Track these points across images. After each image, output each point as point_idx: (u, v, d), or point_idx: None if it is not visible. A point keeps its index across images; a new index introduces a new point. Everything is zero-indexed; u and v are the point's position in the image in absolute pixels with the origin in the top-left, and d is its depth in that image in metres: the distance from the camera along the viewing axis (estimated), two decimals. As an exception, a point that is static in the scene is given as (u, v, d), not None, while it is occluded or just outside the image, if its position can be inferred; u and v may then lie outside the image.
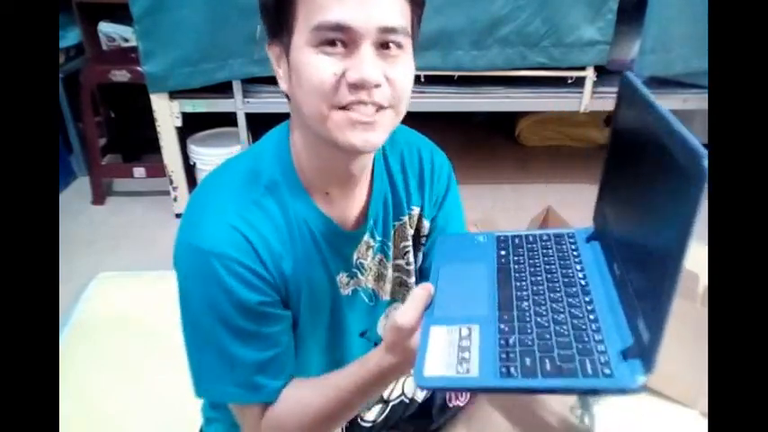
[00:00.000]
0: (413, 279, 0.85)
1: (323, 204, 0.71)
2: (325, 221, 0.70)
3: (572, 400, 1.22)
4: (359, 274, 0.77)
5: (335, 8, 0.57)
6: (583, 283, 0.61)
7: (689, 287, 1.67)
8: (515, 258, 0.66)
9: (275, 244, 0.66)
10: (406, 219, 0.80)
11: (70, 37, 2.47)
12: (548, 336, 0.53)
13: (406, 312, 0.58)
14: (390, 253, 0.80)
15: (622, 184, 0.67)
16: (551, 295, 0.59)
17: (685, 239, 0.45)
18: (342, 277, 0.75)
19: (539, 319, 0.56)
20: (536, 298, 0.59)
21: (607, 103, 2.20)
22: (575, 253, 0.67)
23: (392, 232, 0.79)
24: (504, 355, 0.52)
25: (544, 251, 0.67)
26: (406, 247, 0.81)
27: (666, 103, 2.19)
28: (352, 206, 0.74)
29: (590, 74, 2.04)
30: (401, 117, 0.65)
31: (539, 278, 0.63)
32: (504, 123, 2.84)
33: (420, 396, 0.94)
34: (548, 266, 0.64)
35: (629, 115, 0.65)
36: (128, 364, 1.50)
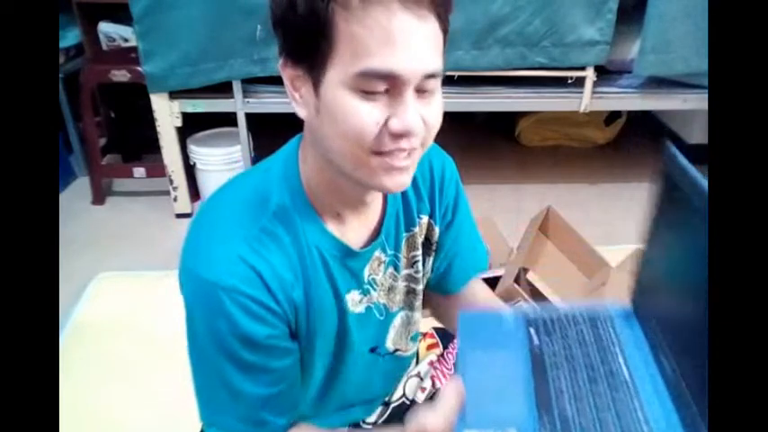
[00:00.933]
0: (421, 286, 0.84)
1: (334, 226, 0.69)
2: (337, 244, 0.69)
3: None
4: (371, 291, 0.75)
5: (386, 56, 0.53)
6: (626, 376, 0.56)
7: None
8: (548, 346, 0.61)
9: (285, 273, 0.64)
10: (416, 229, 0.78)
11: (70, 37, 2.47)
12: None
13: (437, 420, 0.55)
14: (401, 264, 0.78)
15: (670, 262, 0.60)
16: (593, 388, 0.55)
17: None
18: (354, 295, 0.73)
19: (582, 421, 0.52)
20: (577, 393, 0.55)
21: (607, 103, 2.21)
22: (612, 339, 0.62)
23: (403, 244, 0.77)
24: None
25: (579, 336, 0.62)
26: (416, 256, 0.80)
27: (666, 103, 2.21)
28: (364, 225, 0.73)
29: (590, 74, 2.04)
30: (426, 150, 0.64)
31: (577, 370, 0.58)
32: (504, 123, 2.84)
33: (421, 398, 0.93)
34: (585, 356, 0.60)
35: (674, 186, 0.59)
36: (127, 364, 1.50)
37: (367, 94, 0.55)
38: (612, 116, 2.71)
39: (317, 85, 0.58)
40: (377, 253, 0.74)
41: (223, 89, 1.99)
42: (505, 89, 2.11)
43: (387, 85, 0.55)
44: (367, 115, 0.56)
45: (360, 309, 0.74)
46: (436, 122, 0.61)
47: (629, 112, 2.66)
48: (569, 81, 2.07)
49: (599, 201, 2.29)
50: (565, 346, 0.61)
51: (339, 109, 0.56)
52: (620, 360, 0.59)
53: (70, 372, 1.41)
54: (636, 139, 2.76)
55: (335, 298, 0.71)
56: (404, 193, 0.77)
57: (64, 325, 1.62)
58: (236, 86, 1.99)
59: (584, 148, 2.78)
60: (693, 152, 2.71)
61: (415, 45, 0.54)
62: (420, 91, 0.58)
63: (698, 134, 2.60)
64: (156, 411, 1.33)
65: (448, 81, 2.05)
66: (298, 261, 0.66)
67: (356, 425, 0.89)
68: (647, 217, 0.64)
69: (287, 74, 0.61)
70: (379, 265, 0.75)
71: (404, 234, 0.77)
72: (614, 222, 2.13)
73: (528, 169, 2.63)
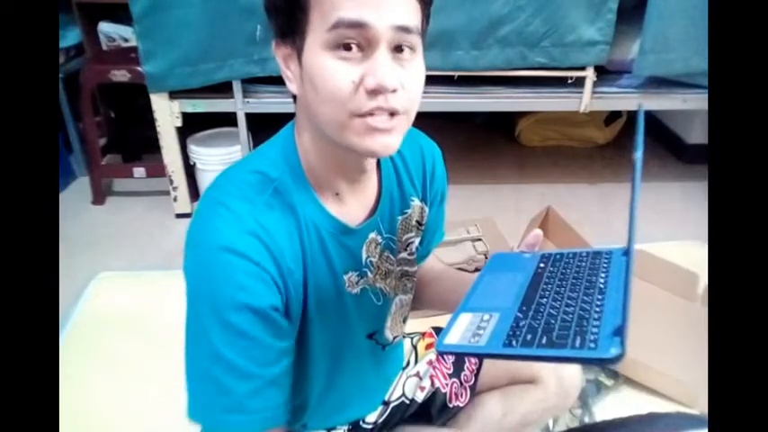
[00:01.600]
0: (414, 268, 0.86)
1: (332, 204, 0.70)
2: (333, 222, 0.70)
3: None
4: (368, 273, 0.76)
5: (352, 6, 0.56)
6: (602, 286, 0.67)
7: (689, 287, 1.67)
8: (551, 270, 0.72)
9: (287, 249, 0.65)
10: (410, 211, 0.80)
11: (70, 37, 2.47)
12: (553, 321, 0.60)
13: None
14: (396, 248, 0.80)
15: None
16: (570, 294, 0.66)
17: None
18: (351, 276, 0.74)
19: (551, 311, 0.62)
20: (556, 296, 0.66)
21: (607, 103, 2.20)
22: (605, 266, 0.72)
23: (398, 226, 0.79)
24: (511, 333, 0.59)
25: (579, 264, 0.73)
26: (410, 238, 0.82)
27: (666, 103, 2.21)
28: (361, 204, 0.74)
29: (590, 74, 2.04)
30: (412, 122, 0.65)
31: (564, 283, 0.69)
32: (504, 123, 2.84)
33: (420, 397, 0.94)
34: (576, 275, 0.70)
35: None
36: (127, 363, 1.50)
37: (342, 52, 0.58)
38: (612, 116, 2.71)
39: (300, 55, 0.61)
40: (372, 234, 0.75)
41: (223, 89, 1.99)
42: (505, 89, 2.11)
43: (358, 38, 0.58)
44: (342, 74, 0.58)
45: (356, 290, 0.75)
46: (417, 89, 0.62)
47: (629, 112, 2.66)
48: (569, 81, 2.07)
49: (599, 201, 2.29)
50: (563, 270, 0.72)
51: (317, 72, 0.59)
52: (602, 276, 0.69)
53: (70, 371, 1.41)
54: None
55: (333, 276, 0.72)
56: (398, 176, 0.78)
57: (64, 325, 1.62)
58: (236, 86, 1.99)
59: (585, 148, 2.78)
60: (693, 152, 2.72)
61: None
62: (397, 51, 0.59)
63: (698, 134, 2.60)
64: (157, 411, 1.33)
65: (448, 81, 2.05)
66: (297, 237, 0.67)
67: (356, 424, 0.89)
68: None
69: (279, 54, 0.65)
70: (375, 247, 0.76)
71: (398, 217, 0.79)
72: (614, 222, 2.13)
73: (528, 169, 2.63)
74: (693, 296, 1.66)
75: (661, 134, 2.80)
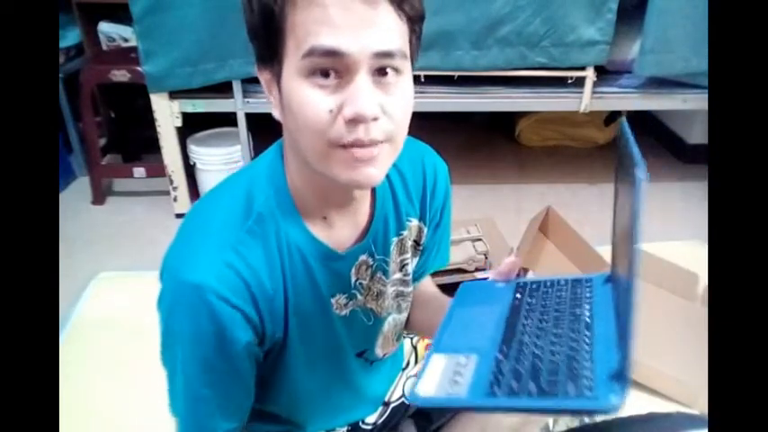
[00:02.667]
0: (410, 288, 0.83)
1: (319, 229, 0.68)
2: (319, 246, 0.68)
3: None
4: (358, 295, 0.74)
5: (326, 33, 0.52)
6: (588, 320, 0.61)
7: (689, 287, 1.67)
8: (528, 301, 0.67)
9: (268, 279, 0.64)
10: (405, 233, 0.78)
11: (70, 37, 2.47)
12: (539, 362, 0.55)
13: None
14: (390, 269, 0.77)
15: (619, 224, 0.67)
16: (555, 331, 0.60)
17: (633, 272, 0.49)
18: (339, 299, 0.72)
19: (536, 351, 0.57)
20: (539, 333, 0.60)
21: (607, 102, 2.20)
22: (588, 295, 0.67)
23: (392, 248, 0.76)
24: (493, 379, 0.54)
25: (559, 294, 0.68)
26: (405, 259, 0.80)
27: (666, 103, 2.20)
28: (353, 226, 0.72)
29: (590, 74, 2.04)
30: (399, 149, 0.61)
31: (546, 317, 0.63)
32: (504, 123, 2.84)
33: (420, 396, 0.94)
34: (558, 307, 0.65)
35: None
36: (127, 363, 1.50)
37: (318, 79, 0.55)
38: (612, 116, 2.71)
39: (279, 81, 0.59)
40: (363, 257, 0.73)
41: (223, 89, 1.99)
42: (505, 89, 2.10)
43: (335, 65, 0.54)
44: (319, 103, 0.55)
45: (345, 312, 0.74)
46: (400, 114, 0.58)
47: (629, 112, 2.66)
48: (569, 81, 2.07)
49: (599, 201, 2.29)
50: (542, 301, 0.66)
51: (294, 99, 0.56)
52: (587, 308, 0.64)
53: (70, 371, 1.41)
54: (636, 138, 2.75)
55: (319, 301, 0.70)
56: (394, 196, 0.75)
57: (64, 324, 1.62)
58: (236, 86, 1.99)
59: (585, 148, 2.78)
60: (693, 152, 2.72)
61: (360, 23, 0.53)
62: (379, 76, 0.56)
63: (698, 134, 2.60)
64: (156, 410, 1.32)
65: (448, 81, 2.05)
66: (279, 263, 0.65)
67: (355, 425, 0.89)
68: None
69: (262, 78, 0.62)
70: (366, 269, 0.74)
71: (393, 238, 0.76)
72: (614, 222, 2.13)
73: (528, 169, 2.62)
74: (693, 296, 1.66)
75: (661, 134, 2.80)
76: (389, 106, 0.56)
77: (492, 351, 0.58)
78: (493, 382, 0.53)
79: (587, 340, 0.57)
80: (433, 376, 0.55)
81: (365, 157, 0.57)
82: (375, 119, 0.55)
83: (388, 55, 0.54)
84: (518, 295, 0.68)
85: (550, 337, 0.59)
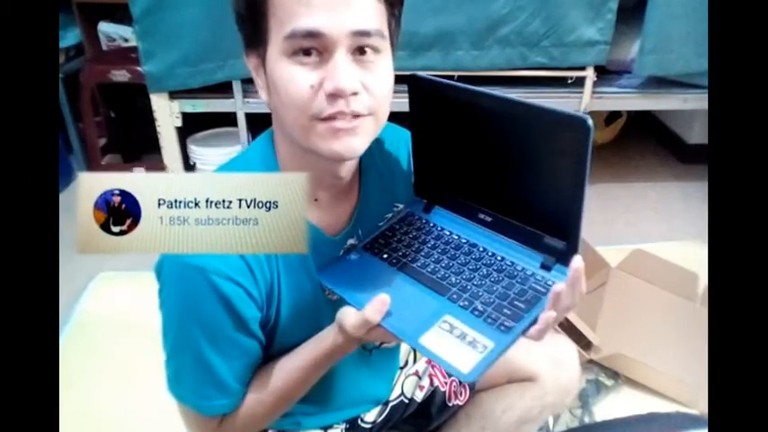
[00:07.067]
0: None
1: (311, 211, 0.70)
2: (309, 228, 0.69)
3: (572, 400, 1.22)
4: None
5: (304, 15, 0.56)
6: (464, 240, 0.69)
7: (689, 287, 1.67)
8: (398, 253, 0.71)
9: (265, 262, 0.66)
10: (390, 216, 0.79)
11: (70, 37, 2.47)
12: (495, 288, 0.62)
13: (374, 312, 0.61)
14: None
15: (465, 159, 0.73)
16: (458, 262, 0.67)
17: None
18: None
19: (476, 282, 0.64)
20: (452, 270, 0.66)
21: (607, 103, 2.20)
22: (430, 225, 0.73)
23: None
24: (488, 319, 0.59)
25: (410, 236, 0.73)
26: None
27: (666, 103, 2.21)
28: (342, 210, 0.74)
29: (590, 74, 2.04)
30: (382, 124, 0.65)
31: (434, 256, 0.69)
32: (504, 123, 2.84)
33: (419, 396, 0.94)
34: (428, 245, 0.70)
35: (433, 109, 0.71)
36: (127, 363, 1.50)
37: (300, 57, 0.58)
38: (612, 116, 2.71)
39: (264, 64, 0.62)
40: (351, 241, 0.75)
41: (223, 89, 1.99)
42: (505, 89, 2.11)
43: (315, 44, 0.58)
44: (301, 79, 0.58)
45: (335, 297, 0.74)
46: (382, 90, 0.61)
47: (629, 112, 2.66)
48: (569, 81, 2.07)
49: (599, 201, 2.29)
50: (407, 247, 0.71)
51: (278, 78, 0.60)
52: (447, 233, 0.71)
53: (70, 371, 1.41)
54: (636, 138, 2.76)
55: (310, 284, 0.72)
56: (381, 181, 0.77)
57: (64, 324, 1.62)
58: (236, 86, 1.99)
59: (584, 148, 2.78)
60: (693, 152, 2.72)
61: (338, 4, 0.56)
62: (358, 53, 0.59)
63: (698, 134, 2.60)
64: (157, 410, 1.32)
65: (448, 81, 2.05)
66: None
67: (354, 423, 0.89)
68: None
69: (250, 64, 0.65)
70: None
71: (380, 223, 0.78)
72: (614, 222, 2.13)
73: (528, 169, 2.62)
74: (693, 296, 1.66)
75: (661, 134, 2.80)
76: (370, 82, 0.60)
77: (446, 303, 0.62)
78: (492, 322, 0.59)
79: (489, 253, 0.67)
80: (454, 353, 0.57)
81: (346, 126, 0.60)
82: (355, 93, 0.59)
83: (365, 34, 0.58)
84: (383, 255, 0.70)
85: (462, 267, 0.66)
